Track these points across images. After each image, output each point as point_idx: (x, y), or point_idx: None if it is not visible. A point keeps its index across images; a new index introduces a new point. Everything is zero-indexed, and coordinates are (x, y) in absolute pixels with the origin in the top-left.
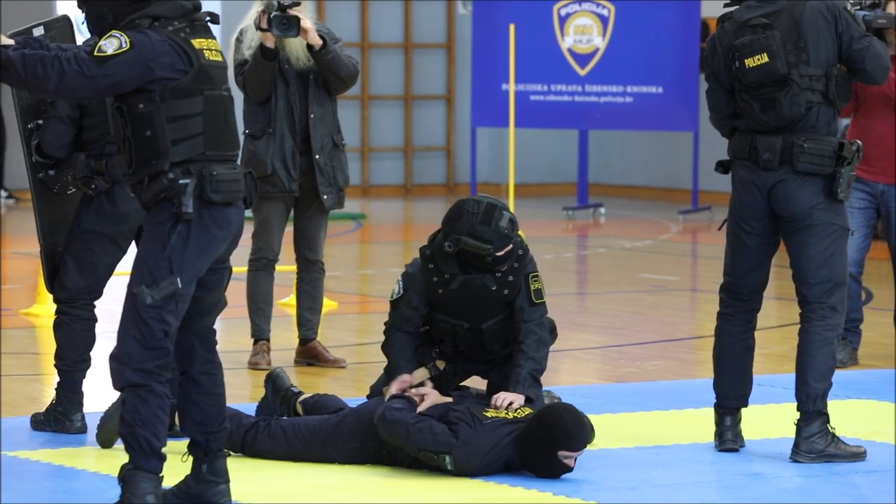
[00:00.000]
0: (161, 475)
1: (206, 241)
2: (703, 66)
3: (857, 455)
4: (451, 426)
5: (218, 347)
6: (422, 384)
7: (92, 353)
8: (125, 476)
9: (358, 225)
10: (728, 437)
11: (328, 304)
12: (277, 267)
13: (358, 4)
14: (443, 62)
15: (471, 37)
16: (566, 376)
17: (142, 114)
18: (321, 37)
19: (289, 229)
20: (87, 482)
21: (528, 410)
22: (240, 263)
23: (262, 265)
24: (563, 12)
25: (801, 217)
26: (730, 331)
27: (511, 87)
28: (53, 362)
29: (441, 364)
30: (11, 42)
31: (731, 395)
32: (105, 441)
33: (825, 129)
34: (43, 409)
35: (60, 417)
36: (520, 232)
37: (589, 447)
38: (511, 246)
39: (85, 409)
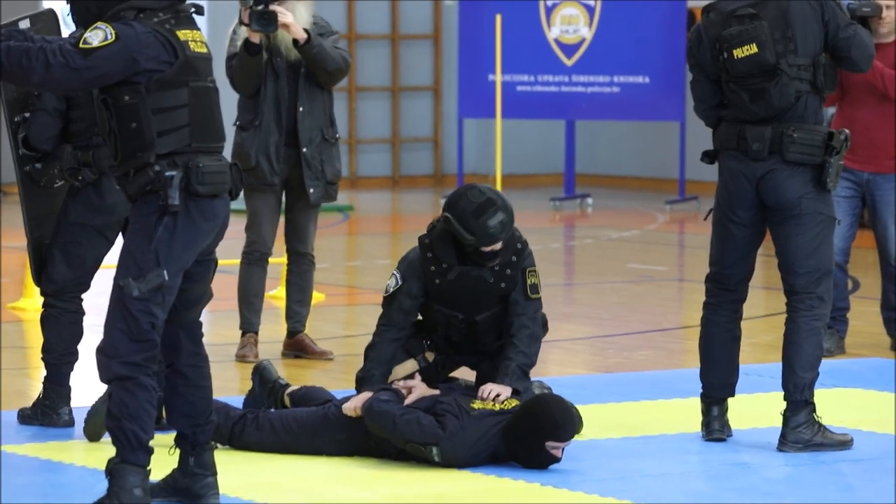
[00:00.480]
0: (148, 468)
1: (193, 233)
2: (689, 57)
3: (844, 444)
4: (438, 418)
5: (205, 340)
6: (410, 377)
7: (79, 347)
8: (112, 469)
9: (345, 217)
10: (715, 427)
11: (316, 297)
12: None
13: None
14: (429, 53)
15: (457, 28)
16: (554, 367)
17: (127, 106)
18: (306, 31)
19: (281, 221)
20: (75, 476)
21: (514, 402)
22: (231, 256)
23: (255, 258)
24: (549, 3)
25: (789, 207)
26: (716, 321)
27: (498, 77)
28: (41, 356)
29: (431, 356)
30: None
31: (718, 384)
32: (92, 434)
33: (813, 119)
34: (30, 404)
35: (48, 411)
36: None
37: (576, 437)
38: (499, 245)
39: (72, 403)
